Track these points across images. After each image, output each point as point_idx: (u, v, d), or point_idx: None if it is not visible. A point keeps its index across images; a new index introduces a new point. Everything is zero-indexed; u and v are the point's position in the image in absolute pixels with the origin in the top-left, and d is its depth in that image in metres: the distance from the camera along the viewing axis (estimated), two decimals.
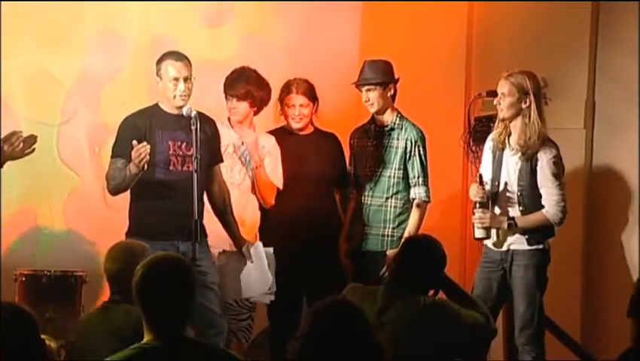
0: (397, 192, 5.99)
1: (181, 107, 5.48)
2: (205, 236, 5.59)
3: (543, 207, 5.60)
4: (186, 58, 5.58)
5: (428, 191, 6.01)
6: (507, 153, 5.69)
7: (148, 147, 5.32)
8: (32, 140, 5.20)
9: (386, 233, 5.98)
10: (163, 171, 5.51)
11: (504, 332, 6.25)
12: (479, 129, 6.71)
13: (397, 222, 5.98)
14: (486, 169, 5.81)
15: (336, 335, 3.15)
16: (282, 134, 6.15)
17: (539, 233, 5.60)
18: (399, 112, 6.05)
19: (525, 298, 5.58)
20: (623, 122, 6.67)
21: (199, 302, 5.34)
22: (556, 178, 5.59)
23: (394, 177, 5.98)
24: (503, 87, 5.63)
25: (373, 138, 6.03)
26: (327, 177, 6.13)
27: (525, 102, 5.59)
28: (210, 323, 5.52)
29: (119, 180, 5.48)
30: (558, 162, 5.61)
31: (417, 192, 5.99)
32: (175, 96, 5.51)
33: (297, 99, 6.08)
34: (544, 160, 5.58)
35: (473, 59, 7.02)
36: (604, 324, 6.47)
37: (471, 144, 6.68)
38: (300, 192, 5.99)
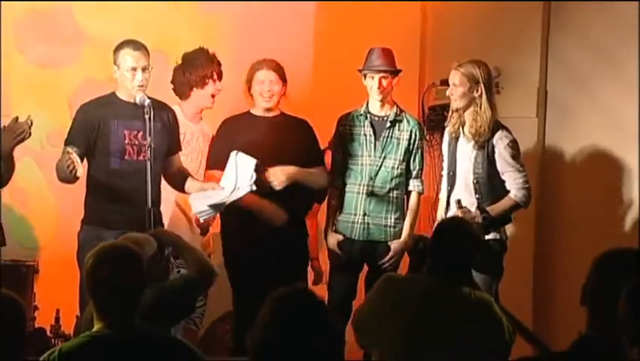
0: (399, 184, 5.92)
1: (143, 95, 5.46)
2: (162, 225, 5.57)
3: (499, 193, 5.65)
4: (144, 47, 5.56)
5: (423, 183, 6.02)
6: (461, 141, 5.72)
7: (73, 161, 5.27)
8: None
9: (389, 224, 5.91)
10: (119, 160, 5.49)
11: None
12: (433, 118, 6.76)
13: (397, 214, 5.92)
14: (444, 163, 5.87)
15: (296, 323, 3.14)
16: (246, 119, 6.01)
17: (499, 221, 5.66)
18: (398, 104, 5.98)
19: (482, 288, 5.62)
20: (574, 110, 6.73)
21: None
22: (516, 162, 5.65)
23: (397, 168, 5.90)
24: (454, 78, 5.65)
25: (370, 126, 5.94)
26: (295, 161, 5.95)
27: (477, 91, 5.62)
28: None
29: (64, 175, 5.42)
30: (515, 146, 5.66)
31: (416, 185, 5.95)
32: (133, 87, 5.49)
33: (268, 75, 5.91)
34: (501, 147, 5.62)
35: (427, 50, 7.04)
36: (555, 313, 6.54)
37: (425, 132, 6.71)
38: (265, 178, 5.88)
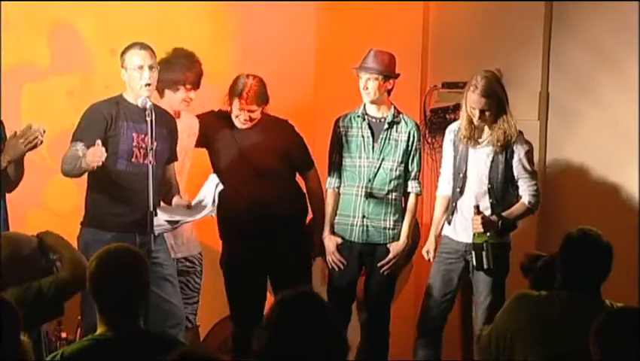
0: (397, 186, 5.91)
1: (146, 97, 5.44)
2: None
3: (511, 197, 5.73)
4: (150, 47, 5.55)
5: (421, 184, 6.01)
6: (474, 147, 5.73)
7: (104, 154, 5.28)
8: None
9: (388, 226, 5.91)
10: (125, 162, 5.49)
11: (462, 323, 6.30)
12: (434, 121, 6.77)
13: (396, 216, 5.92)
14: (447, 161, 5.88)
15: (303, 326, 3.14)
16: (224, 120, 5.97)
17: (510, 226, 5.75)
18: (395, 106, 5.98)
19: (493, 291, 5.69)
20: (576, 113, 6.72)
21: (156, 294, 5.36)
22: (532, 168, 5.75)
23: (395, 170, 5.89)
24: (481, 104, 5.61)
25: (368, 128, 5.93)
26: (272, 167, 5.94)
27: (502, 107, 5.65)
28: (167, 315, 5.51)
29: (70, 167, 5.41)
30: (532, 152, 5.76)
31: (414, 186, 5.95)
32: (141, 86, 5.47)
33: (247, 107, 5.87)
34: (522, 153, 5.70)
35: (429, 52, 7.03)
36: None
37: (427, 135, 6.72)
38: (243, 183, 5.89)
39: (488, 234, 5.61)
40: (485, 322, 5.62)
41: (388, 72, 5.88)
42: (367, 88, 5.87)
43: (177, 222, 5.51)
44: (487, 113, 5.64)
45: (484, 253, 5.59)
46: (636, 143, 6.45)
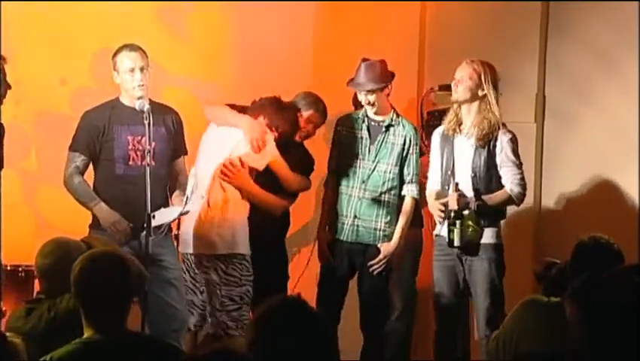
0: (391, 188, 5.94)
1: (140, 98, 5.46)
2: (170, 230, 5.62)
3: (494, 187, 5.71)
4: (140, 48, 5.58)
5: (417, 188, 6.02)
6: (459, 139, 5.75)
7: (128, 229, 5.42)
8: None
9: (379, 227, 5.93)
10: (123, 166, 5.54)
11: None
12: (432, 123, 6.74)
13: (389, 218, 5.94)
14: (435, 159, 5.89)
15: (290, 333, 3.09)
16: None
17: (495, 213, 5.73)
18: (394, 109, 6.02)
19: (492, 293, 5.69)
20: (573, 115, 6.71)
21: (160, 298, 5.39)
22: (516, 158, 5.73)
23: (389, 172, 5.93)
24: (463, 70, 5.66)
25: (367, 130, 5.98)
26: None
27: (482, 89, 5.65)
28: (170, 319, 5.52)
29: (81, 200, 5.57)
30: (516, 142, 5.74)
31: (410, 189, 5.96)
32: (133, 87, 5.51)
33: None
34: (505, 140, 5.69)
35: (426, 54, 7.03)
36: None
37: (424, 138, 6.71)
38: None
39: (466, 212, 5.60)
40: (487, 323, 5.67)
41: (382, 83, 5.92)
42: (369, 103, 5.93)
43: (160, 227, 5.46)
44: (465, 84, 5.62)
45: (456, 230, 5.59)
46: (636, 146, 6.43)
